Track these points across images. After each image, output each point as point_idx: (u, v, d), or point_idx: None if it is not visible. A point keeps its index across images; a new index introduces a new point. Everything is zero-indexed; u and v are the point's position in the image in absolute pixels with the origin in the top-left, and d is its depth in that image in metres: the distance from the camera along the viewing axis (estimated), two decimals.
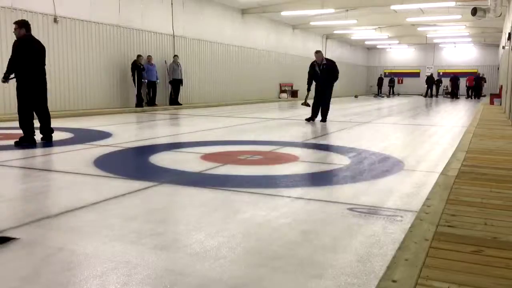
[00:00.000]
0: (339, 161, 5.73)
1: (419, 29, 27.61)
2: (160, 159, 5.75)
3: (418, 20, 23.89)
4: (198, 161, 5.67)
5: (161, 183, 4.46)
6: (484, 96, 30.00)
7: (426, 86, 34.10)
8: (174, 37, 17.12)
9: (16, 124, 7.12)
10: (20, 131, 6.94)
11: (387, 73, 39.26)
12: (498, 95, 19.39)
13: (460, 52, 37.15)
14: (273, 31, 24.41)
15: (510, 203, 3.38)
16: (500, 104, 17.40)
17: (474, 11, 14.63)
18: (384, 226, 3.11)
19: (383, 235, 2.91)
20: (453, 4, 18.08)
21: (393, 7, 19.35)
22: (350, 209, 3.51)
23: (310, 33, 28.58)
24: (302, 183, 4.46)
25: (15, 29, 6.94)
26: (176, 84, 16.70)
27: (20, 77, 6.84)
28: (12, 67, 6.85)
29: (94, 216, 3.36)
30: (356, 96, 31.76)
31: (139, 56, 14.87)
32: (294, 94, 25.58)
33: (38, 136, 7.05)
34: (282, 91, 25.37)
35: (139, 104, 15.00)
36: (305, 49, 28.15)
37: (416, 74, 38.46)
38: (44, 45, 7.11)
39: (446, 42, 35.13)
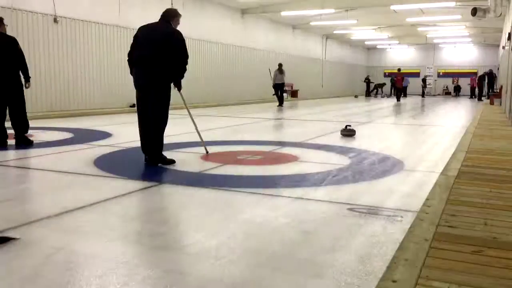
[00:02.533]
0: (339, 161, 5.73)
1: (419, 29, 27.60)
2: None
3: (418, 20, 23.89)
4: (198, 161, 5.67)
5: (161, 183, 4.46)
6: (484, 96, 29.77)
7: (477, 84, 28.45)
8: None
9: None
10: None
11: (386, 73, 39.21)
12: (498, 95, 19.39)
13: (460, 52, 37.12)
14: (273, 31, 24.38)
15: (510, 203, 3.38)
16: (500, 104, 17.40)
17: (474, 11, 14.62)
18: (384, 226, 3.11)
19: (383, 235, 2.91)
20: (453, 4, 18.07)
21: (393, 7, 19.34)
22: (350, 209, 3.50)
23: (310, 33, 28.56)
24: (302, 183, 4.46)
25: None
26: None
27: None
28: None
29: (94, 216, 3.36)
30: (356, 96, 31.75)
31: None
32: (294, 94, 25.59)
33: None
34: None
35: None
36: (305, 49, 28.15)
37: (416, 74, 38.41)
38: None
39: (446, 42, 35.11)
